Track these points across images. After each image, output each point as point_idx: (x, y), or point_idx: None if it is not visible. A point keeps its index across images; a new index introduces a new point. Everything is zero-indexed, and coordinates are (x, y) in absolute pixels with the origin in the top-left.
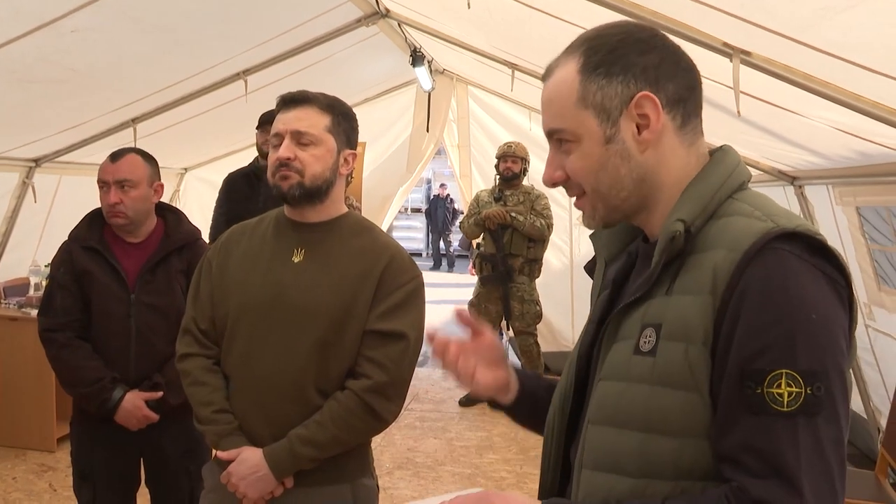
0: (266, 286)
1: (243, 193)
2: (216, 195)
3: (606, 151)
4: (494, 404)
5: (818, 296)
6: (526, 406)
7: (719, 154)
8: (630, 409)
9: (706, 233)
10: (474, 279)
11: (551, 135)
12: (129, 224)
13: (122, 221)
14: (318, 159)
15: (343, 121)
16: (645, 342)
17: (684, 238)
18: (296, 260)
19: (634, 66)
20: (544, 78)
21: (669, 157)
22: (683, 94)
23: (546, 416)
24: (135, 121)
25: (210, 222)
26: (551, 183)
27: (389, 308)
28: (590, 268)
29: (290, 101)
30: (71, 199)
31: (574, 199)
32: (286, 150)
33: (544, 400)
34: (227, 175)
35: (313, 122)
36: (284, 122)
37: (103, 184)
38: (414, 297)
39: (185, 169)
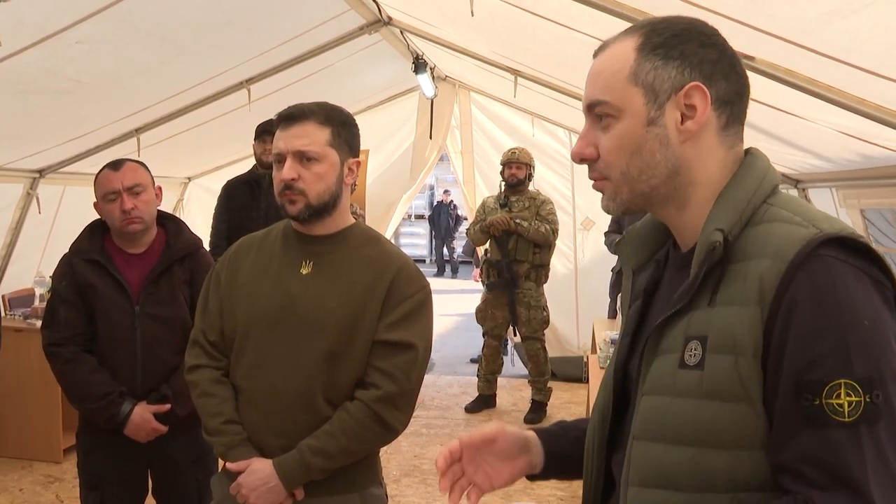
0: (275, 298)
1: (243, 201)
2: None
3: (646, 133)
4: (530, 477)
5: (867, 301)
6: (556, 468)
7: (750, 158)
8: (678, 423)
9: (745, 240)
10: (478, 285)
11: (592, 107)
12: (144, 229)
13: (140, 227)
14: (321, 177)
15: (343, 130)
16: (690, 355)
17: (724, 248)
18: (304, 272)
19: (693, 56)
20: (597, 53)
21: (707, 155)
22: (733, 97)
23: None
24: (138, 131)
25: (210, 227)
26: (579, 158)
27: (398, 318)
28: (614, 287)
29: (288, 117)
30: (75, 209)
31: (594, 181)
32: (290, 170)
33: (574, 454)
34: (225, 183)
35: (313, 138)
36: (285, 140)
37: (112, 194)
38: (422, 308)
39: (189, 178)
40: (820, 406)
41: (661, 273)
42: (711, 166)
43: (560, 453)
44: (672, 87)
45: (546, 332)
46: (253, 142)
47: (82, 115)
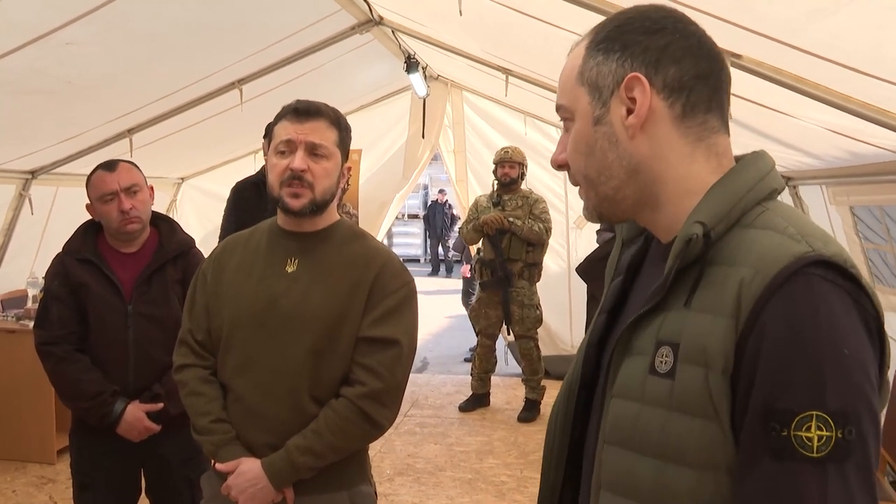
0: (260, 296)
1: (252, 202)
2: (213, 204)
3: (594, 133)
4: None
5: (850, 329)
6: None
7: (751, 157)
8: (646, 433)
9: (729, 242)
10: (472, 285)
11: (558, 110)
12: (142, 228)
13: (139, 226)
14: (328, 174)
15: (346, 135)
16: (661, 362)
17: (704, 243)
18: (289, 270)
19: (635, 46)
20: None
21: (665, 149)
22: (689, 81)
23: None
24: (130, 131)
25: (218, 231)
26: (556, 165)
27: (382, 314)
28: (583, 269)
29: (303, 112)
30: (67, 210)
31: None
32: (301, 160)
33: None
34: (234, 184)
35: (326, 135)
36: (298, 131)
37: (109, 195)
38: (406, 303)
39: (182, 178)
40: (787, 438)
41: (646, 252)
42: (675, 161)
43: None
44: (614, 82)
45: (539, 330)
46: (263, 140)
47: (74, 115)
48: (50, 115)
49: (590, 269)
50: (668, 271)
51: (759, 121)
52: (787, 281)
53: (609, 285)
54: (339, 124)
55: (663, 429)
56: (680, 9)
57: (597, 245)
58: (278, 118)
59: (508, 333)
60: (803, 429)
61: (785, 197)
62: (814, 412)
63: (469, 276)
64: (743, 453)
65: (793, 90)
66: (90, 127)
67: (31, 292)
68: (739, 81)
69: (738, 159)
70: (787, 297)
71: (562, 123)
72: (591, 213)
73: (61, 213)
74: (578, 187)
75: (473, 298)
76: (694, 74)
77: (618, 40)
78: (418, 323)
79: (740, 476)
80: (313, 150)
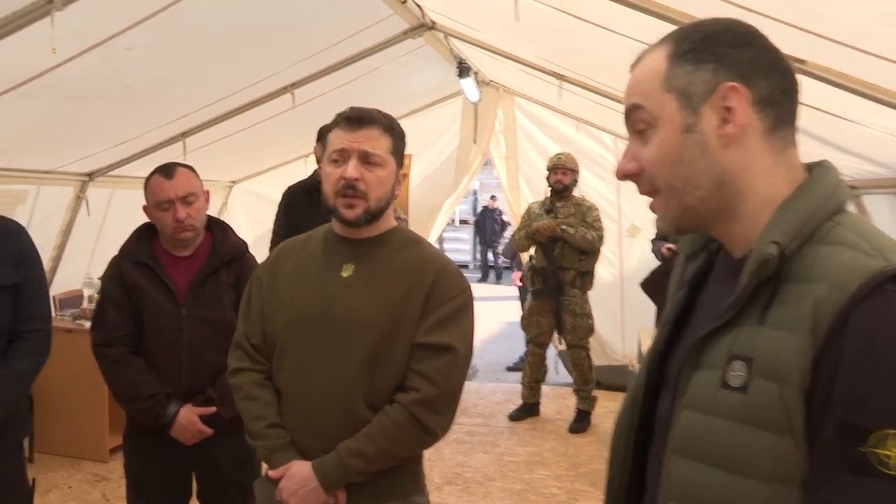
0: (315, 301)
1: (304, 207)
2: (263, 208)
3: (684, 141)
4: None
5: None
6: None
7: (819, 170)
8: (716, 445)
9: (802, 259)
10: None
11: (629, 116)
12: (196, 236)
13: (192, 234)
14: (382, 182)
15: (400, 142)
16: (734, 376)
17: (778, 262)
18: (345, 275)
19: (726, 57)
20: (633, 67)
21: (754, 161)
22: (777, 96)
23: None
24: (184, 135)
25: (270, 236)
26: (622, 175)
27: (438, 321)
28: (648, 284)
29: (356, 120)
30: (123, 212)
31: (650, 201)
32: (354, 169)
33: None
34: (286, 189)
35: (379, 143)
36: (351, 140)
37: (165, 203)
38: (462, 310)
39: (233, 182)
40: (864, 454)
41: (710, 266)
42: (761, 173)
43: None
44: (706, 90)
45: (591, 340)
46: (315, 144)
47: (130, 119)
48: (107, 119)
49: (656, 284)
50: (743, 289)
51: (823, 128)
52: (865, 298)
53: (673, 298)
54: (393, 131)
55: (734, 441)
56: (743, 13)
57: (652, 253)
58: (332, 126)
59: (560, 342)
60: (881, 446)
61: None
62: (891, 430)
63: (521, 283)
64: (818, 468)
65: (860, 96)
66: (145, 130)
67: (87, 292)
68: (803, 88)
69: (808, 168)
70: (865, 313)
71: (616, 135)
72: (671, 224)
73: (116, 214)
74: (647, 195)
75: (525, 306)
76: (780, 89)
77: (708, 51)
78: (474, 330)
79: (814, 490)
80: (366, 159)
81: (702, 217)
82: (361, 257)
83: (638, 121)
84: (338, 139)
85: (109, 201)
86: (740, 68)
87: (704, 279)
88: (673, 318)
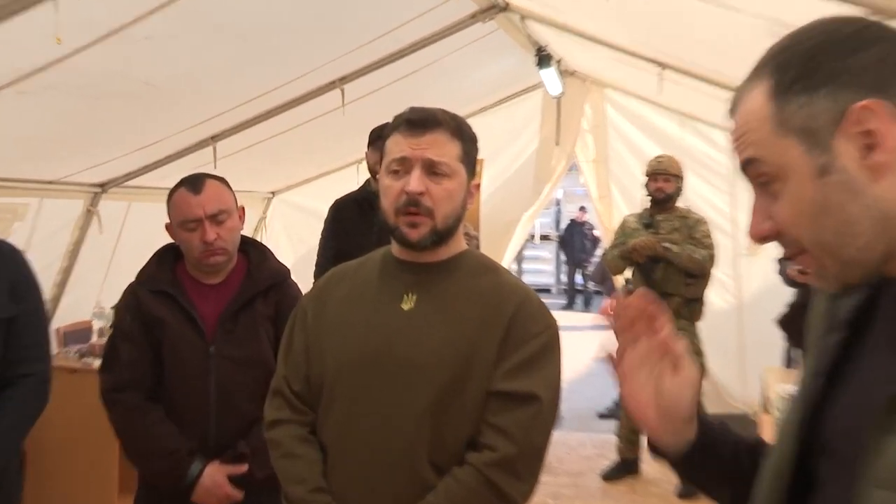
0: (370, 338)
1: (353, 223)
2: (308, 223)
3: (823, 187)
4: (655, 449)
5: None
6: (702, 460)
7: None
8: None
9: None
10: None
11: (747, 167)
12: (228, 260)
13: (224, 258)
14: (451, 196)
15: (471, 147)
16: None
17: None
18: (406, 307)
19: (843, 71)
20: (731, 111)
21: None
22: None
23: (728, 481)
24: (214, 139)
25: (315, 258)
26: (760, 238)
27: (518, 364)
28: (787, 322)
29: (419, 123)
30: (141, 229)
31: (794, 256)
32: (418, 181)
33: (730, 460)
34: (333, 202)
35: (446, 150)
36: (414, 146)
37: (192, 222)
38: (548, 351)
39: (273, 193)
40: None
41: (873, 303)
42: None
43: (714, 444)
44: (832, 120)
45: (702, 382)
46: (367, 149)
47: (151, 121)
48: (123, 120)
49: (796, 321)
50: None
51: None
52: None
53: (820, 341)
54: (463, 134)
55: None
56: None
57: (778, 276)
58: (390, 130)
59: None
60: None
61: None
62: None
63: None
64: None
65: None
66: (168, 134)
67: (97, 324)
68: None
69: None
70: None
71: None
72: (833, 286)
73: (134, 232)
74: (795, 257)
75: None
76: None
77: (817, 71)
78: (562, 373)
79: None
80: (432, 169)
81: (868, 266)
82: (426, 286)
83: (758, 175)
84: (397, 146)
85: (125, 217)
86: (866, 79)
87: (866, 319)
88: (825, 368)
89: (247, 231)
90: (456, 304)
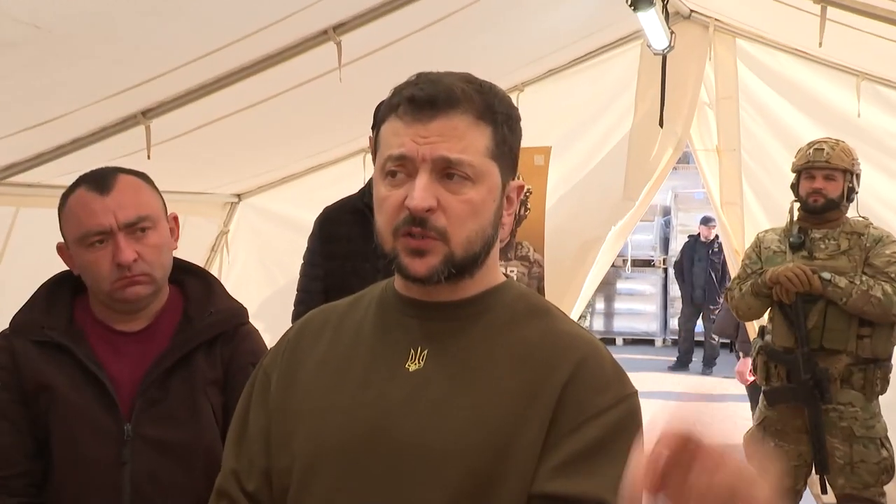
0: (360, 415)
1: (349, 239)
2: (290, 239)
3: None
4: None
5: None
6: None
7: None
8: None
9: None
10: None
11: None
12: (154, 292)
13: (148, 289)
14: (475, 211)
15: (508, 133)
16: None
17: None
18: (412, 368)
19: None
20: None
21: None
22: None
23: None
24: (147, 114)
25: (296, 288)
26: None
27: (575, 455)
28: None
29: (427, 102)
30: (35, 245)
31: None
32: (425, 192)
33: None
34: (322, 212)
35: (469, 141)
36: (419, 139)
37: (97, 235)
38: (619, 436)
39: (238, 196)
40: None
41: None
42: None
43: None
44: None
45: (890, 486)
46: (370, 133)
47: (46, 85)
48: (8, 83)
49: None
50: None
51: None
52: None
53: None
54: (495, 115)
55: None
56: None
57: None
58: (385, 112)
59: (823, 490)
60: None
61: None
62: None
63: (753, 378)
64: None
65: None
66: (76, 106)
67: None
68: None
69: None
70: None
71: None
72: None
73: (25, 250)
74: None
75: (753, 419)
76: None
77: None
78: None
79: None
80: (446, 171)
81: None
82: (442, 338)
83: None
84: (395, 137)
85: (11, 228)
86: None
87: None
88: None
89: (201, 251)
90: (484, 365)
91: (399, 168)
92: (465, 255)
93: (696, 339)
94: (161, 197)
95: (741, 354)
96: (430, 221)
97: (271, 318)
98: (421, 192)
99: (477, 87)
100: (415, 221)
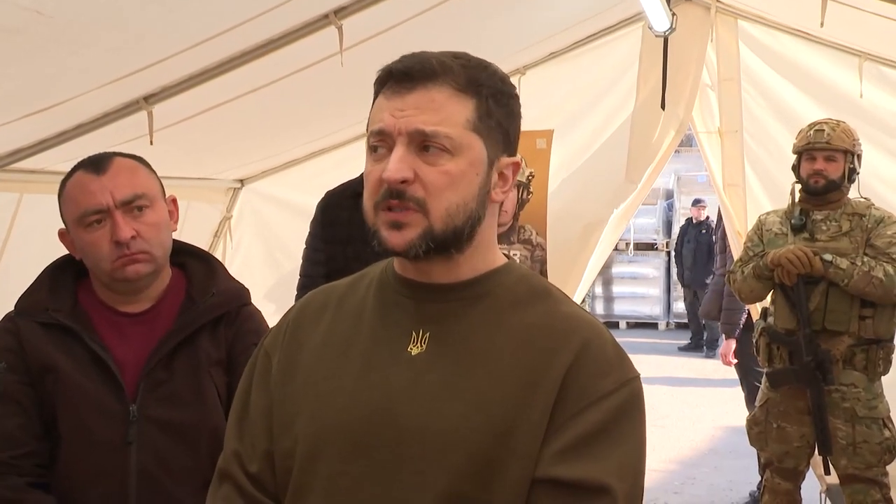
0: (362, 398)
1: (350, 222)
2: (293, 225)
3: None
4: None
5: None
6: None
7: None
8: None
9: None
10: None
11: None
12: (154, 271)
13: (148, 267)
14: (453, 182)
15: (496, 107)
16: None
17: None
18: (413, 351)
19: None
20: None
21: None
22: None
23: None
24: (149, 100)
25: (298, 273)
26: None
27: (577, 440)
28: None
29: (405, 75)
30: (30, 233)
31: None
32: (400, 163)
33: None
34: (324, 195)
35: (447, 113)
36: (396, 111)
37: (94, 215)
38: (623, 420)
39: (241, 182)
40: None
41: None
42: None
43: None
44: None
45: (893, 467)
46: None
47: (48, 72)
48: (6, 72)
49: None
50: None
51: None
52: None
53: None
54: (479, 87)
55: None
56: None
57: None
58: (376, 89)
59: (826, 471)
60: None
61: None
62: None
63: (734, 361)
64: None
65: None
66: (77, 92)
67: None
68: None
69: None
70: None
71: None
72: None
73: (28, 236)
74: None
75: (756, 401)
76: None
77: None
78: (646, 451)
79: None
80: (423, 143)
81: None
82: (442, 319)
83: None
84: (378, 111)
85: (15, 214)
86: None
87: None
88: None
89: (206, 236)
90: (487, 349)
91: (380, 143)
92: (444, 228)
93: (700, 322)
94: (158, 179)
95: (724, 336)
96: (407, 193)
97: (276, 303)
98: (395, 163)
99: (464, 61)
100: (392, 194)
